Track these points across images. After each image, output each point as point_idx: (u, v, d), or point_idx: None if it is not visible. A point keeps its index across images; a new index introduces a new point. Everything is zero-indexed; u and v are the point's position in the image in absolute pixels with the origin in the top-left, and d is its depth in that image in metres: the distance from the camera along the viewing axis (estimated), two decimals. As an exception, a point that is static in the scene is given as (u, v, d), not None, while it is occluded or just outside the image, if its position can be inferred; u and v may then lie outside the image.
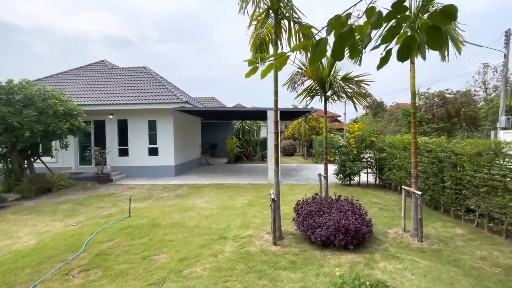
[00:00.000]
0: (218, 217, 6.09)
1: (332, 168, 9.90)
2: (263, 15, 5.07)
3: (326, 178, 6.49)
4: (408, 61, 4.99)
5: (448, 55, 4.35)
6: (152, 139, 12.24)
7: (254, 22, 5.08)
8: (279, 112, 10.25)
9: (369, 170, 9.82)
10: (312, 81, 6.35)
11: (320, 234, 4.09)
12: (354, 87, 6.09)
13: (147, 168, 12.22)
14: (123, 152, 12.35)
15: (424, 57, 1.59)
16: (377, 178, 9.67)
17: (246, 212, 6.43)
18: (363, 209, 4.75)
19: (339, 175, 9.61)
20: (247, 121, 19.64)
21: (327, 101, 6.60)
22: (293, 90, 6.31)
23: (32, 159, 9.76)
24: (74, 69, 14.92)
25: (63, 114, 9.07)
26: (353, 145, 9.20)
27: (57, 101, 8.97)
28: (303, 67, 6.14)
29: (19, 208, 7.15)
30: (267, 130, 10.42)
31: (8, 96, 8.12)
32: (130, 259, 4.09)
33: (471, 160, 5.28)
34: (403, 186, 5.26)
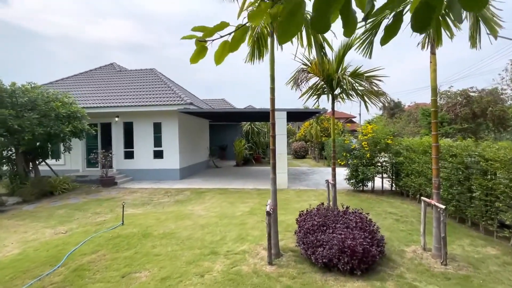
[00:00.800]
0: (215, 227, 5.61)
1: (344, 172, 9.22)
2: None
3: (334, 185, 5.86)
4: (428, 53, 4.30)
5: (480, 41, 3.61)
6: (157, 141, 12.01)
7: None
8: (285, 113, 9.77)
9: (384, 176, 9.02)
10: (318, 78, 5.77)
11: (321, 255, 3.50)
12: (365, 84, 5.45)
13: (152, 171, 12.01)
14: (129, 155, 12.22)
15: (460, 21, 1.03)
16: (393, 184, 8.85)
17: (245, 222, 5.91)
18: (374, 225, 4.09)
19: (351, 181, 8.88)
20: (257, 123, 19.14)
21: (335, 100, 5.99)
22: (298, 88, 5.74)
23: (37, 162, 9.75)
24: (84, 72, 15.07)
25: (65, 116, 8.98)
26: (366, 148, 8.46)
27: (60, 104, 8.89)
28: (308, 63, 5.56)
29: (17, 213, 7.02)
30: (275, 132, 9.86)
31: (12, 99, 8.09)
32: (108, 276, 3.69)
33: (506, 167, 4.48)
34: (422, 198, 4.54)
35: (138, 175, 12.04)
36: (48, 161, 12.54)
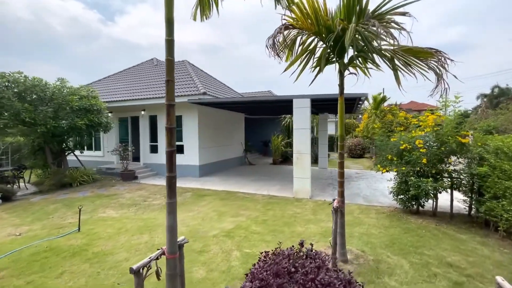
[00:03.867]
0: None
1: (390, 181, 6.45)
2: None
3: (338, 212, 3.67)
4: None
5: None
6: (178, 135, 11.35)
7: None
8: (309, 100, 7.47)
9: (452, 190, 5.84)
10: (313, 35, 3.59)
11: None
12: (390, 40, 3.01)
13: (173, 167, 11.44)
14: (154, 149, 11.98)
15: None
16: (471, 206, 5.65)
17: (206, 250, 4.27)
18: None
19: (399, 196, 6.09)
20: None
21: (345, 71, 3.72)
22: (276, 56, 3.69)
23: (65, 154, 10.25)
24: (128, 68, 15.79)
25: (81, 109, 9.02)
26: (422, 149, 5.56)
27: (76, 97, 8.95)
28: (291, 11, 3.46)
29: (19, 204, 7.16)
30: (294, 126, 7.74)
31: (27, 92, 8.32)
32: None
33: None
34: None
35: (162, 170, 11.67)
36: (88, 152, 13.56)
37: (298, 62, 3.71)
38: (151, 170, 11.81)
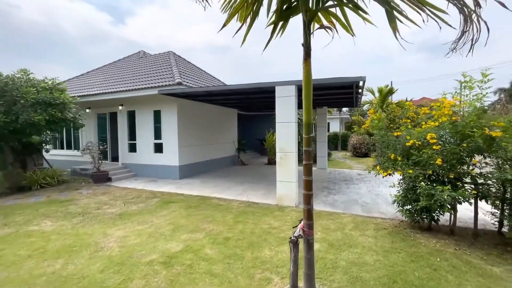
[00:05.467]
0: (64, 290, 2.96)
1: (394, 184, 5.09)
2: None
3: (300, 244, 2.36)
4: None
5: None
6: (157, 133, 10.21)
7: None
8: (294, 87, 6.11)
9: (477, 200, 4.39)
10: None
11: None
12: None
13: (152, 167, 10.33)
14: (133, 148, 10.89)
15: None
16: (502, 222, 4.21)
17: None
18: None
19: (404, 207, 4.71)
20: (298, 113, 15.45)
21: (312, 23, 2.39)
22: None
23: (33, 155, 9.27)
24: (113, 62, 14.78)
25: (39, 104, 7.97)
26: (435, 146, 4.15)
27: (33, 89, 7.90)
28: None
29: (-46, 212, 6.14)
30: (277, 119, 6.41)
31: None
32: None
33: None
34: None
35: (141, 171, 10.57)
36: (64, 151, 12.60)
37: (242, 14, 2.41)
38: (129, 171, 10.71)
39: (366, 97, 22.22)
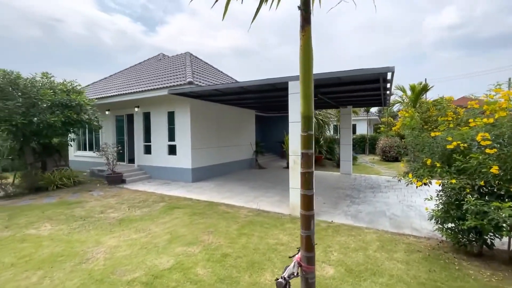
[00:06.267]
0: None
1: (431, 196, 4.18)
2: None
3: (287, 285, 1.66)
4: None
5: None
6: (171, 134, 9.99)
7: None
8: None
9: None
10: None
11: None
12: None
13: (166, 170, 10.12)
14: (148, 150, 10.79)
15: None
16: None
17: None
18: None
19: (444, 225, 3.77)
20: (319, 112, 14.53)
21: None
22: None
23: (55, 156, 9.48)
24: (133, 65, 15.05)
25: (56, 105, 8.08)
26: (489, 150, 3.21)
27: (49, 91, 8.03)
28: None
29: (-30, 211, 6.26)
30: (290, 118, 5.72)
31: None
32: None
33: None
34: None
35: (156, 173, 10.42)
36: (85, 153, 12.92)
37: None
38: (144, 173, 10.61)
39: (397, 96, 20.51)
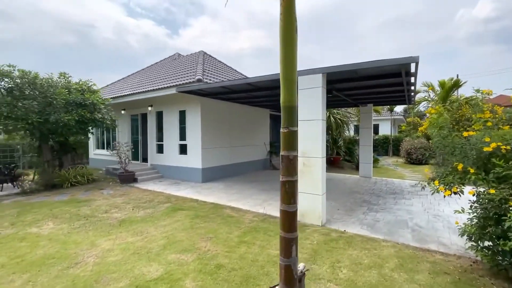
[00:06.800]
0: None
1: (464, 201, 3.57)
2: None
3: None
4: None
5: None
6: (182, 134, 9.87)
7: None
8: (320, 76, 4.90)
9: None
10: None
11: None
12: None
13: (177, 169, 10.02)
14: (160, 149, 10.78)
15: None
16: None
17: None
18: None
19: (479, 242, 3.14)
20: (337, 111, 13.78)
21: None
22: None
23: (69, 154, 9.73)
24: (150, 65, 15.25)
25: (71, 104, 8.23)
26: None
27: (64, 91, 8.19)
28: None
29: (-14, 206, 6.47)
30: (299, 115, 5.26)
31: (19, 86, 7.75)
32: None
33: None
34: None
35: (167, 172, 10.38)
36: (102, 151, 13.22)
37: None
38: (156, 172, 10.61)
39: (425, 94, 19.07)
